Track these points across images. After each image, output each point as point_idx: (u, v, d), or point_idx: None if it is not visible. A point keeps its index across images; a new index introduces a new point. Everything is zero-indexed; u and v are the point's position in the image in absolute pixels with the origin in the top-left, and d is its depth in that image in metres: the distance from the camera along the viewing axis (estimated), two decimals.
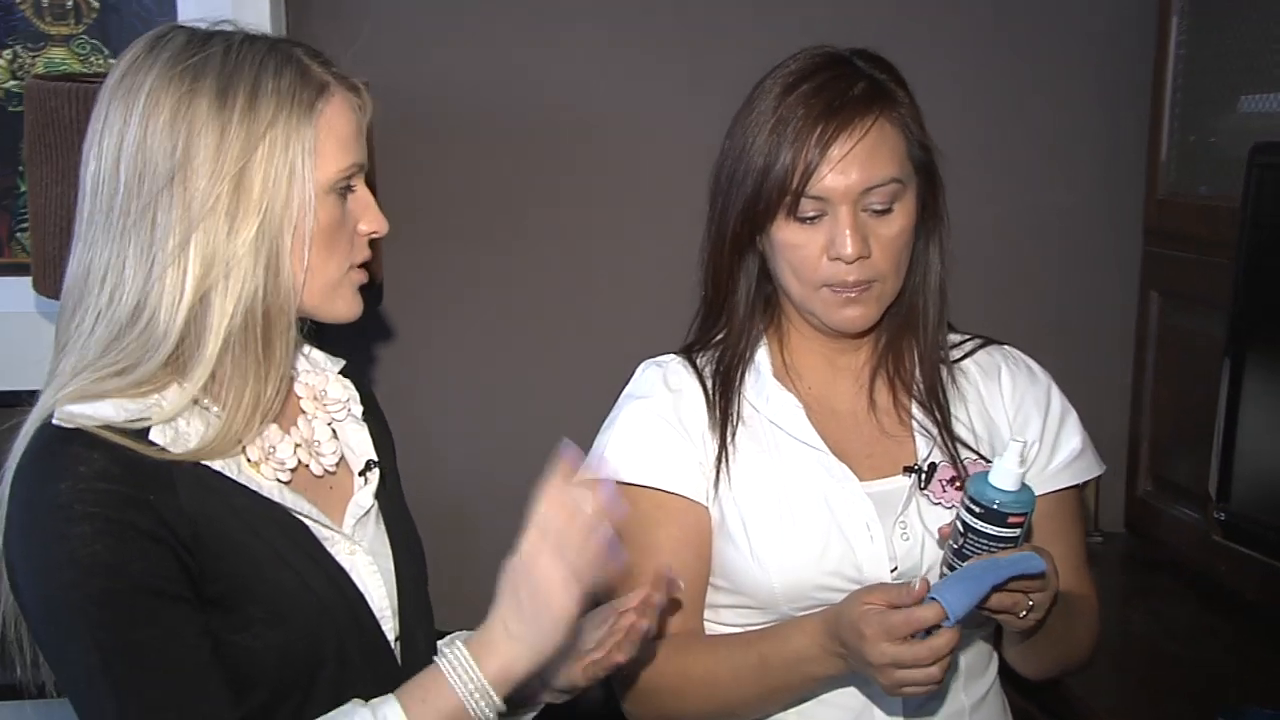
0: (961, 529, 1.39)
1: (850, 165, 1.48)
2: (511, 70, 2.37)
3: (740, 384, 1.60)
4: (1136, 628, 2.12)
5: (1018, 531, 1.38)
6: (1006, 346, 1.70)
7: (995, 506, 1.36)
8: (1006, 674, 1.67)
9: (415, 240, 2.38)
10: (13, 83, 2.21)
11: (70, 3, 2.22)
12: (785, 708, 1.54)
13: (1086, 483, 2.44)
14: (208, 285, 1.24)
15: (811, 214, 1.50)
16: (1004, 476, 1.37)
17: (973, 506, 1.38)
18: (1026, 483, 1.38)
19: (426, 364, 2.43)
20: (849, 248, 1.48)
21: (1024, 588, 1.38)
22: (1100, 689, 1.82)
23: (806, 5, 2.35)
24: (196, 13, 2.23)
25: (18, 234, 2.22)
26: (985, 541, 1.38)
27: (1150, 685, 1.91)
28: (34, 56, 2.22)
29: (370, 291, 2.17)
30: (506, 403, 2.44)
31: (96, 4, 2.22)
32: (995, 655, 1.64)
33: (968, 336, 1.69)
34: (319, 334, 2.28)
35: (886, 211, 1.51)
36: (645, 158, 2.39)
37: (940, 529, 1.46)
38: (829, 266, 1.51)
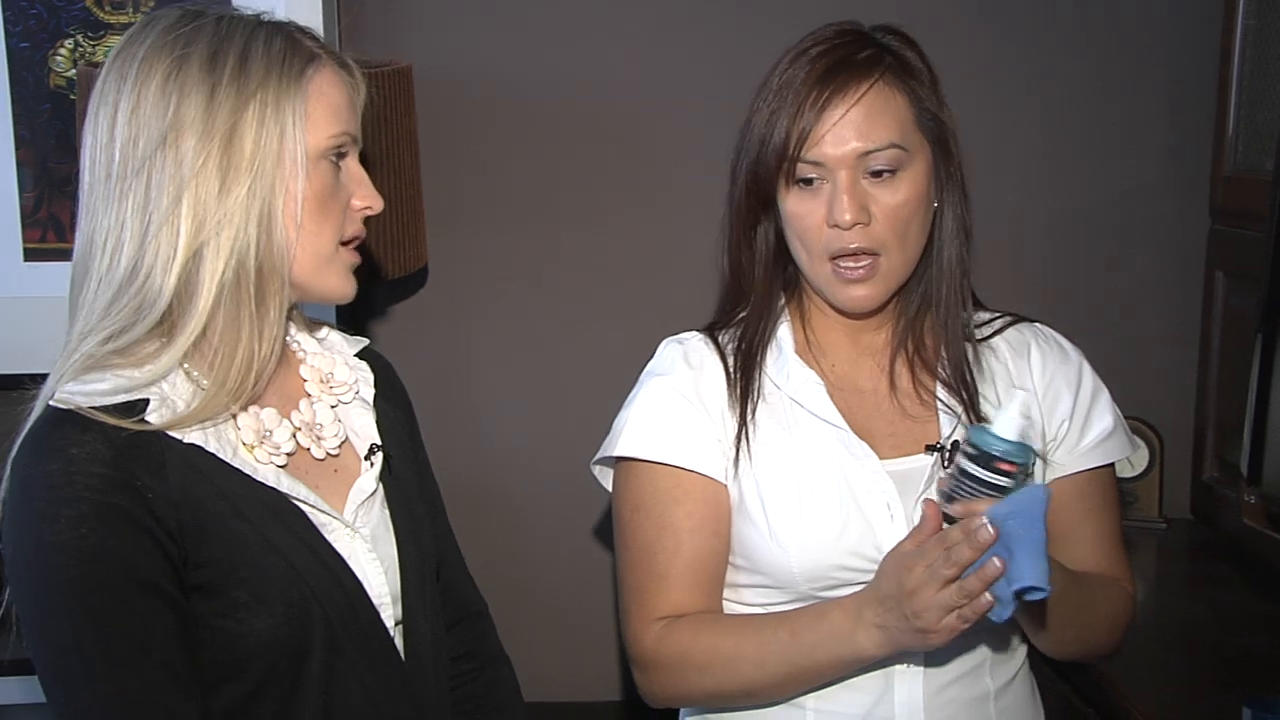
0: (956, 474, 1.40)
1: (846, 128, 1.46)
2: (555, 58, 2.38)
3: (761, 361, 1.58)
4: (1192, 614, 2.07)
5: (1009, 482, 1.38)
6: (1038, 324, 1.67)
7: (985, 449, 1.37)
8: (1045, 656, 1.64)
9: (459, 226, 2.40)
10: (74, 71, 2.26)
11: None
12: (807, 691, 1.52)
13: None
14: (200, 241, 1.26)
15: (811, 177, 1.49)
16: (1004, 423, 1.38)
17: (968, 448, 1.39)
18: (1029, 443, 1.39)
19: (471, 348, 2.45)
20: (846, 213, 1.46)
21: None
22: (1141, 674, 1.77)
23: None
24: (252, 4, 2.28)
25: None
26: (972, 485, 1.38)
27: (1193, 672, 1.87)
28: (94, 45, 2.28)
29: (412, 277, 2.22)
30: (550, 386, 2.45)
31: None
32: (1023, 639, 1.60)
33: (997, 314, 1.66)
34: (361, 315, 2.32)
35: (889, 179, 1.48)
36: (687, 144, 2.38)
37: (938, 480, 1.46)
38: (830, 234, 1.49)
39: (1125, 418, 1.61)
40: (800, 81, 1.48)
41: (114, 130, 1.26)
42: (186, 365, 1.30)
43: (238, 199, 1.26)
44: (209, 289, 1.26)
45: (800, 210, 1.51)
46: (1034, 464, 1.40)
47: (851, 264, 1.50)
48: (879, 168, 1.47)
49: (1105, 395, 1.64)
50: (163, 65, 1.26)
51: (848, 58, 1.48)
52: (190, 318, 1.27)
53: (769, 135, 1.49)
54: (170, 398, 1.28)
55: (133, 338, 1.26)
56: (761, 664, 1.49)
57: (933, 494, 1.51)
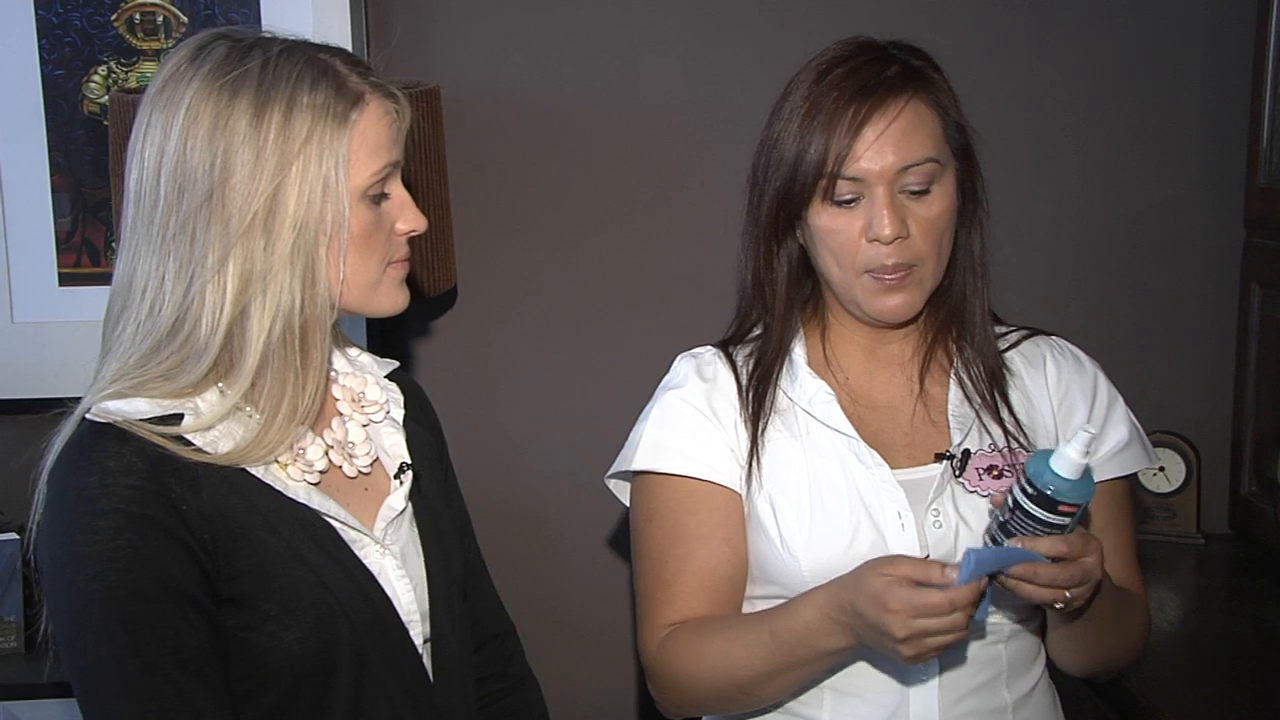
0: (1011, 505, 1.36)
1: (885, 145, 1.47)
2: (582, 78, 2.39)
3: (776, 378, 1.59)
4: (1231, 630, 2.05)
5: (1067, 520, 1.35)
6: (1054, 337, 1.67)
7: (1049, 492, 1.33)
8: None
9: (488, 245, 2.41)
10: (107, 97, 2.29)
11: (160, 18, 2.29)
12: (801, 685, 1.51)
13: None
14: (246, 300, 1.26)
15: (848, 196, 1.49)
16: (1065, 464, 1.33)
17: (1027, 486, 1.35)
18: (1090, 477, 1.35)
19: (501, 367, 2.46)
20: (887, 228, 1.47)
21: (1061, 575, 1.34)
22: (1179, 691, 1.76)
23: (882, 4, 2.32)
24: (280, 25, 2.29)
25: (114, 244, 2.30)
26: (1031, 524, 1.34)
27: (1232, 688, 1.85)
28: (127, 71, 2.30)
29: (442, 297, 2.23)
30: (581, 404, 2.46)
31: (185, 19, 2.29)
32: (1042, 649, 1.60)
33: (1012, 328, 1.66)
34: (392, 335, 2.33)
35: (925, 193, 1.49)
36: (713, 163, 2.38)
37: (993, 497, 1.42)
38: (868, 249, 1.50)
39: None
40: (834, 100, 1.49)
41: (159, 175, 1.26)
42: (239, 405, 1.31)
43: (281, 256, 1.26)
44: (255, 347, 1.27)
45: (835, 226, 1.51)
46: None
47: (891, 273, 1.50)
48: (917, 183, 1.48)
49: (1121, 406, 1.63)
50: (209, 115, 1.25)
51: (879, 75, 1.49)
52: (238, 375, 1.28)
53: (803, 153, 1.50)
54: (203, 413, 1.29)
55: (176, 387, 1.27)
56: (750, 665, 1.48)
57: (945, 503, 1.51)
